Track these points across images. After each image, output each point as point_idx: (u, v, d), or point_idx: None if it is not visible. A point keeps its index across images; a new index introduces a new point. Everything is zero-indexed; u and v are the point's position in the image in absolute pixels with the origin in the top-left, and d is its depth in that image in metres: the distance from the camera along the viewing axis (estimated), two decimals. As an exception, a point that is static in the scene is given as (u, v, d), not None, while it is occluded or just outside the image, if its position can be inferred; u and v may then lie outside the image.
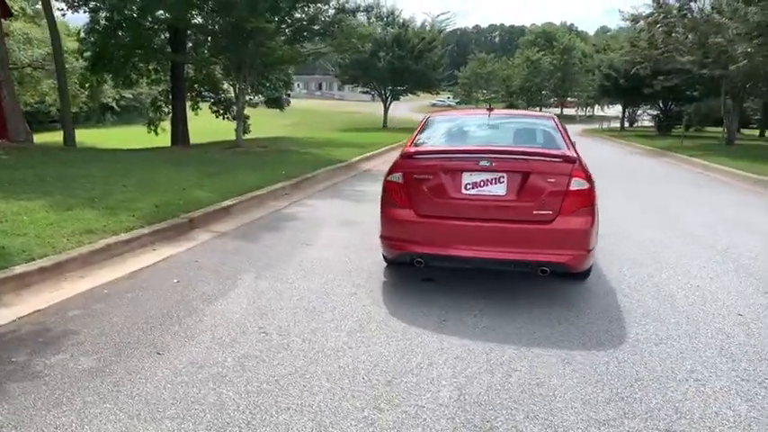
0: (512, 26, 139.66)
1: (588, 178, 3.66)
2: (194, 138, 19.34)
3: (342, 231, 6.31)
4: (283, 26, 12.07)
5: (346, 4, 12.77)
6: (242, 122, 14.03)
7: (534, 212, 3.61)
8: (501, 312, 3.74)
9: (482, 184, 3.68)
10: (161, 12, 13.21)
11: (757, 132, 31.31)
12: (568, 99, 66.83)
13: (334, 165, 12.18)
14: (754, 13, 9.08)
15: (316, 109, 55.02)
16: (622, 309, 3.88)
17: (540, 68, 61.14)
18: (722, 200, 9.29)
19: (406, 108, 54.86)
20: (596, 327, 3.54)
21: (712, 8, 15.20)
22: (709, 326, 3.60)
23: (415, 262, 3.85)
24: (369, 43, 20.06)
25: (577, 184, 3.59)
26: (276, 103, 24.09)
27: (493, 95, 66.65)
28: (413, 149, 3.96)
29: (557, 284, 4.31)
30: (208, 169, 10.05)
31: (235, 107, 18.50)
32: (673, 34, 18.83)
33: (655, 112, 31.49)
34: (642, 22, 19.20)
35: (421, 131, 4.58)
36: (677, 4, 18.48)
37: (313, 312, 3.74)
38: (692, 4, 17.41)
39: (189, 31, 15.32)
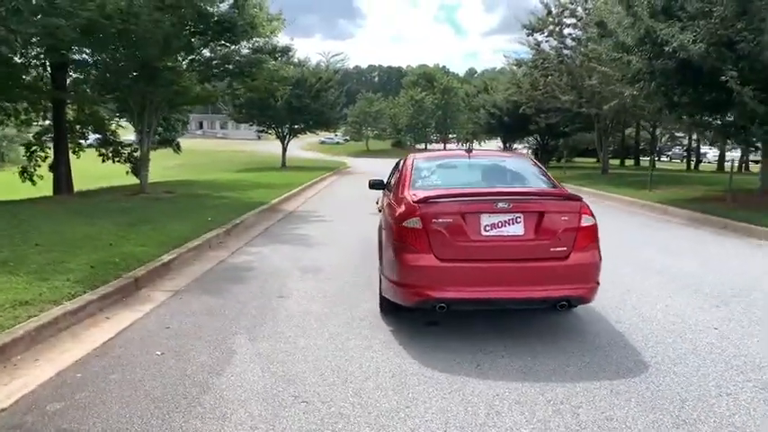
0: (389, 66, 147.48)
1: (592, 214, 3.91)
2: (78, 184, 17.41)
3: (308, 280, 6.00)
4: (195, 64, 11.43)
5: (264, 47, 12.49)
6: (147, 167, 12.92)
7: (551, 250, 3.76)
8: (523, 350, 3.78)
9: (500, 225, 3.76)
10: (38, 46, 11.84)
11: (618, 161, 36.03)
12: (450, 135, 71.56)
13: (257, 208, 11.66)
14: (636, 62, 10.54)
15: (199, 149, 52.63)
16: (623, 333, 4.14)
17: (423, 107, 65.00)
18: (631, 223, 10.45)
19: (295, 146, 54.43)
20: (615, 354, 3.73)
21: (585, 55, 17.39)
22: (701, 342, 3.97)
23: (438, 308, 3.78)
24: (289, 85, 19.82)
25: (587, 220, 3.82)
26: (169, 144, 22.61)
27: (382, 132, 69.26)
28: (428, 193, 3.93)
29: (549, 315, 4.48)
30: (124, 220, 9.07)
31: (126, 149, 17.11)
32: (549, 77, 21.20)
33: (529, 146, 34.90)
34: (524, 67, 21.39)
35: (412, 174, 4.57)
36: (553, 52, 20.90)
37: (341, 372, 3.48)
38: (565, 51, 19.81)
39: (70, 67, 13.90)
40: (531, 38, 20.52)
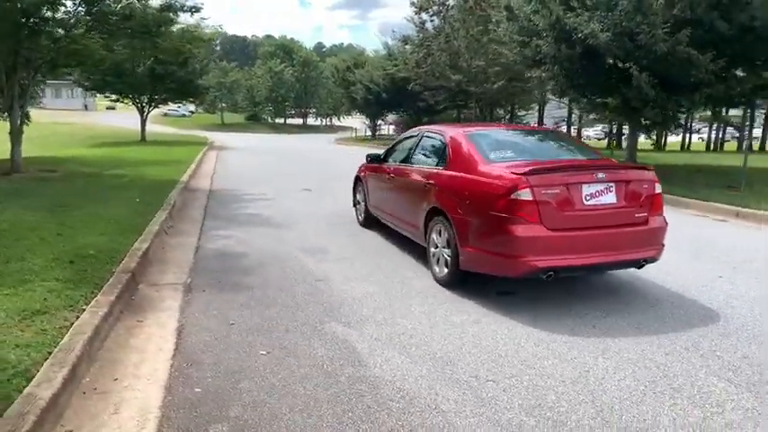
0: (234, 35, 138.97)
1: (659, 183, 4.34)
2: None
3: (327, 261, 5.64)
4: (88, 18, 9.42)
5: (174, 3, 10.69)
6: (20, 140, 10.60)
7: (635, 216, 4.11)
8: (613, 316, 4.08)
9: (597, 194, 3.99)
10: None
11: None
12: (310, 110, 70.48)
13: (174, 188, 10.42)
14: (545, 46, 11.59)
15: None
16: (677, 298, 4.68)
17: (283, 80, 62.82)
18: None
19: (135, 119, 48.32)
20: (686, 316, 4.21)
21: (472, 36, 18.47)
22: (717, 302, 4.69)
23: (546, 276, 3.90)
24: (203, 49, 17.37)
25: (658, 188, 4.24)
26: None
27: (239, 105, 65.49)
28: (531, 167, 3.96)
29: (606, 281, 4.85)
30: (36, 204, 7.47)
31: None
32: (432, 56, 22.13)
33: (402, 123, 36.09)
34: (410, 45, 21.97)
35: (475, 148, 4.55)
36: (434, 32, 21.78)
37: (477, 347, 3.43)
38: (449, 32, 20.78)
39: None
40: (417, 16, 21.09)
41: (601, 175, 4.01)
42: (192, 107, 66.85)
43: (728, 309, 4.20)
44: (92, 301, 3.94)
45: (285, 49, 69.72)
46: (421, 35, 21.56)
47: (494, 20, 14.57)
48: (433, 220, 4.84)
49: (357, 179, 7.45)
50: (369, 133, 47.08)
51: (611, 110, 12.33)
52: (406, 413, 2.68)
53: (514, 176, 3.90)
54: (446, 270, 4.61)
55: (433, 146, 5.27)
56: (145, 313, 4.14)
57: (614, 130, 34.04)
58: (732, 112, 30.37)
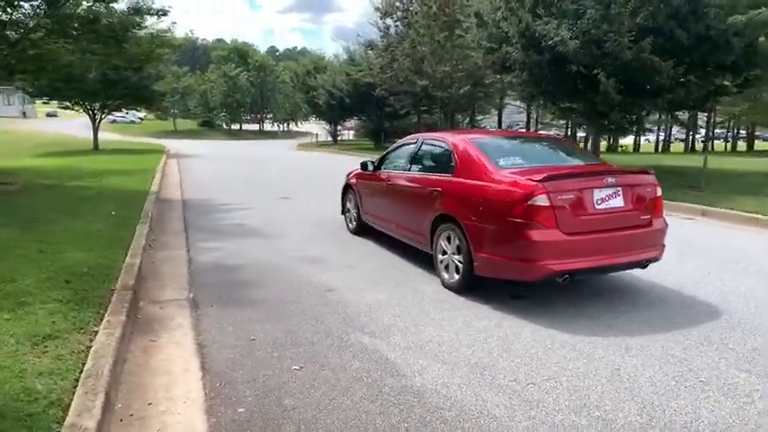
0: (184, 38, 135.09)
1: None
2: None
3: (330, 271, 5.58)
4: (50, 21, 8.87)
5: (142, 6, 10.23)
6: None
7: (641, 218, 4.30)
8: (624, 316, 4.25)
9: (607, 198, 4.15)
10: None
11: None
12: (267, 116, 69.40)
13: (146, 199, 10.05)
14: (514, 52, 11.93)
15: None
16: (677, 295, 4.91)
17: (238, 85, 61.64)
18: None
19: (83, 126, 45.80)
20: (691, 312, 4.41)
21: (437, 42, 18.76)
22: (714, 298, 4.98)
23: (563, 279, 4.02)
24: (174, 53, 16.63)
25: (659, 191, 4.45)
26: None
27: (193, 110, 63.71)
28: (546, 173, 4.06)
29: (607, 281, 5.03)
30: (6, 220, 7.01)
31: None
32: (398, 62, 22.31)
33: (364, 128, 36.05)
34: (375, 50, 22.06)
35: (484, 155, 4.64)
36: (398, 37, 21.97)
37: (505, 351, 3.50)
38: (414, 37, 21.01)
39: None
40: (381, 21, 21.21)
41: (610, 179, 4.17)
42: (141, 113, 64.50)
43: (726, 303, 4.45)
44: (101, 322, 3.76)
45: (240, 53, 68.46)
46: (385, 41, 21.70)
47: (464, 26, 14.84)
48: (440, 227, 4.88)
49: (347, 187, 7.42)
50: (329, 138, 46.89)
51: (579, 114, 12.81)
52: (461, 421, 2.70)
53: (531, 183, 4.00)
54: (457, 276, 4.66)
55: (436, 153, 5.33)
56: (156, 332, 3.99)
57: (569, 133, 35.37)
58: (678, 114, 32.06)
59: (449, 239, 4.78)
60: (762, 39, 10.90)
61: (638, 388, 3.03)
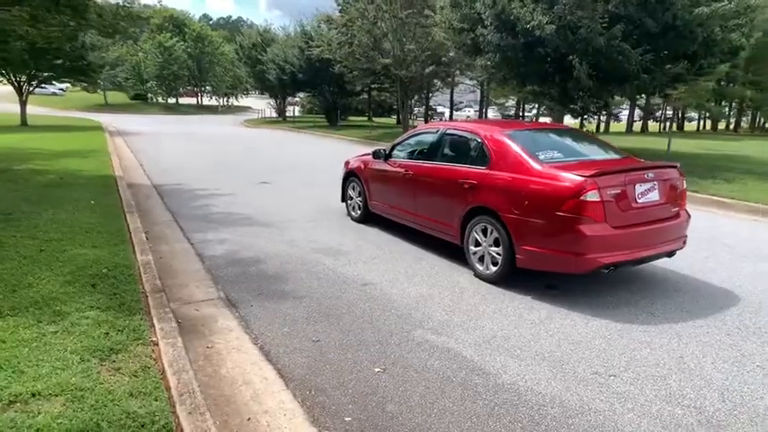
0: (106, 3, 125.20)
1: (684, 178, 4.81)
2: None
3: (357, 264, 5.52)
4: None
5: None
6: None
7: (671, 210, 4.55)
8: (658, 303, 4.51)
9: (646, 192, 4.34)
10: None
11: (365, 118, 39.79)
12: (204, 89, 66.19)
13: (119, 184, 9.42)
14: (490, 35, 12.06)
15: None
16: (685, 281, 5.26)
17: (174, 56, 58.20)
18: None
19: None
20: (711, 298, 4.72)
21: (400, 19, 18.53)
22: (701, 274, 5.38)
23: (608, 271, 4.20)
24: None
25: (684, 184, 4.70)
26: None
27: (124, 83, 59.56)
28: (594, 170, 4.18)
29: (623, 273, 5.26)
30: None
31: None
32: (357, 42, 21.90)
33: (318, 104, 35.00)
34: (334, 25, 21.48)
35: (522, 148, 4.71)
36: (358, 13, 21.52)
37: (587, 348, 3.64)
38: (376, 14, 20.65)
39: None
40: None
41: (650, 174, 4.38)
42: (64, 85, 59.58)
43: (737, 287, 4.79)
44: (152, 329, 3.55)
45: (176, 23, 64.51)
46: (345, 17, 21.18)
47: (435, 5, 14.74)
48: (474, 219, 4.94)
49: (351, 174, 7.30)
50: (275, 115, 45.55)
51: (550, 98, 13.20)
52: (568, 417, 2.80)
53: (582, 179, 4.12)
54: (494, 268, 4.75)
55: (465, 145, 5.33)
56: (207, 337, 3.81)
57: (521, 113, 36.38)
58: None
59: (484, 232, 4.85)
60: (717, 29, 11.61)
61: (708, 375, 3.25)
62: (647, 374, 3.25)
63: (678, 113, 41.33)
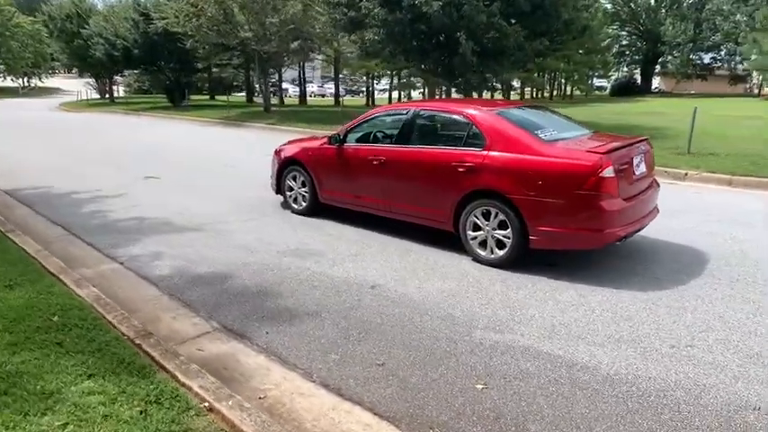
0: None
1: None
2: None
3: (344, 264, 4.96)
4: None
5: None
6: None
7: (651, 180, 4.89)
8: (666, 277, 4.80)
9: (639, 165, 4.58)
10: None
11: (207, 97, 37.30)
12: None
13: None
14: (376, 10, 11.84)
15: None
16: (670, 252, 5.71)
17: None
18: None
19: None
20: (719, 268, 4.93)
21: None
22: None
23: (620, 242, 4.37)
24: None
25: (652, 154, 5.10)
26: None
27: None
28: (603, 148, 4.24)
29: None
30: None
31: None
32: (203, 16, 19.85)
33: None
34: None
35: (520, 128, 4.62)
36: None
37: (638, 323, 3.72)
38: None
39: None
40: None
41: (642, 148, 4.63)
42: None
43: (742, 256, 4.95)
44: (188, 389, 2.72)
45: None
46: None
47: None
48: (473, 203, 4.74)
49: (288, 162, 6.52)
50: (96, 96, 39.51)
51: (436, 74, 13.45)
52: (694, 398, 2.80)
53: (597, 156, 4.16)
54: (501, 252, 4.63)
55: (449, 126, 5.05)
56: (247, 384, 3.04)
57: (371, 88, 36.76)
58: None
59: (486, 216, 4.69)
60: (572, 9, 12.93)
61: (757, 334, 3.50)
62: (714, 339, 3.41)
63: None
